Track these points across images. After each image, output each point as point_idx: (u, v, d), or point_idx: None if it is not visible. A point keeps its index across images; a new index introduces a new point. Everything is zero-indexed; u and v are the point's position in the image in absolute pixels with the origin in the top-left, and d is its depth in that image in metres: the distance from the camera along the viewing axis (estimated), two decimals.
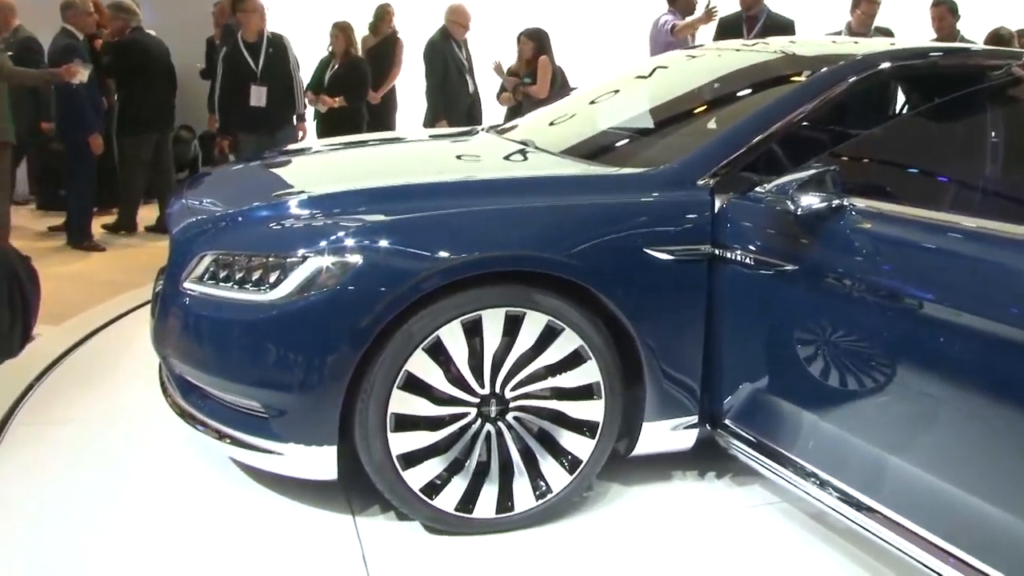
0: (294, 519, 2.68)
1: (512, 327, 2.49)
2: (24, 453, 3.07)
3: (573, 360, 2.57)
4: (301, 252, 2.42)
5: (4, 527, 2.61)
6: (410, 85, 7.98)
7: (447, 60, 7.06)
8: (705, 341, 2.69)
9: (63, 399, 3.52)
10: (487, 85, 7.42)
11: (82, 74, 5.95)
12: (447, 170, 3.10)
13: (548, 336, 2.53)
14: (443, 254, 2.39)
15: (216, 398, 2.61)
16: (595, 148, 3.20)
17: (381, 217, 2.48)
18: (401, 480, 2.50)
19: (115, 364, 3.93)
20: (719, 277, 2.65)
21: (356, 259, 2.38)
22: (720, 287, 2.65)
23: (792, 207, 2.41)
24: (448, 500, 2.55)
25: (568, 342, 2.54)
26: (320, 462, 2.49)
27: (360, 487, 2.65)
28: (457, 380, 2.49)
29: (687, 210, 2.64)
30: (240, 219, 2.67)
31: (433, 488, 2.54)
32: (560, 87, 6.81)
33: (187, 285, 2.58)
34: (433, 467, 2.53)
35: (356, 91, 7.08)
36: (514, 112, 7.12)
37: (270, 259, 2.45)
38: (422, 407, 2.47)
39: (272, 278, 2.43)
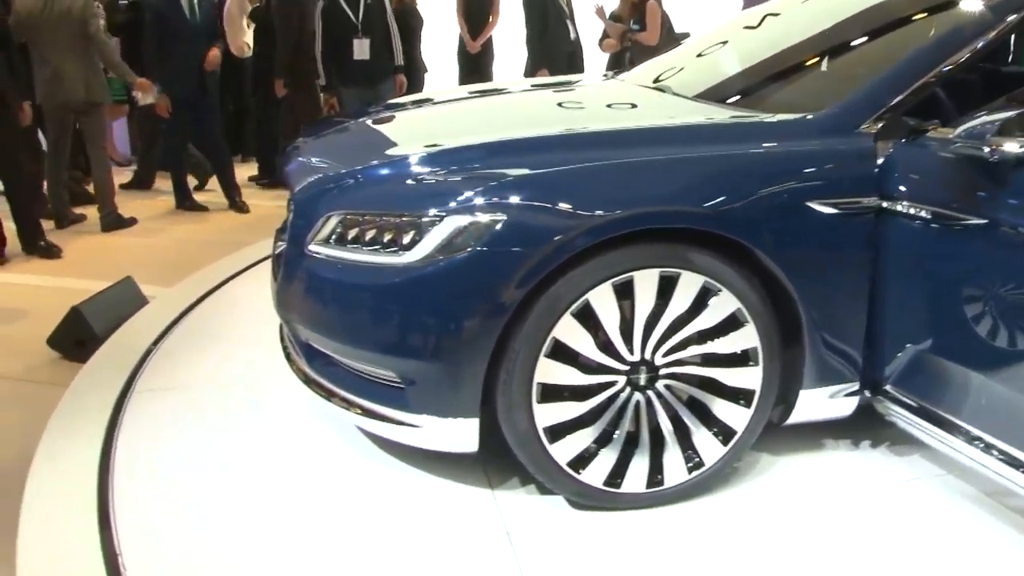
0: (429, 493, 2.55)
1: (665, 289, 2.29)
2: (146, 419, 3.02)
3: (729, 324, 2.36)
4: (438, 211, 2.25)
5: (130, 493, 2.56)
6: (508, 34, 7.76)
7: (547, 7, 6.80)
8: (869, 300, 2.45)
9: (182, 364, 3.46)
10: (588, 32, 7.13)
11: (148, 97, 6.23)
12: (582, 120, 2.89)
13: (703, 298, 2.32)
14: (593, 210, 2.20)
15: (345, 366, 2.49)
16: (733, 93, 2.94)
17: (524, 171, 2.29)
18: (547, 454, 2.34)
19: (230, 327, 3.86)
20: (886, 231, 2.39)
21: (498, 217, 2.20)
22: (887, 242, 2.40)
23: (987, 153, 2.14)
24: (596, 474, 2.39)
25: (725, 304, 2.33)
26: (460, 435, 2.35)
27: (497, 459, 2.51)
28: (606, 346, 2.31)
29: (851, 159, 2.39)
30: (368, 176, 2.50)
31: (580, 462, 2.38)
32: (668, 33, 6.50)
33: (313, 248, 2.44)
34: (580, 440, 2.36)
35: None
36: (617, 59, 6.85)
37: (403, 219, 2.30)
38: (569, 376, 2.30)
39: (406, 239, 2.28)
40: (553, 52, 6.77)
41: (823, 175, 2.37)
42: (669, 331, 2.34)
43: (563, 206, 2.21)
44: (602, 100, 3.22)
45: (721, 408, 2.44)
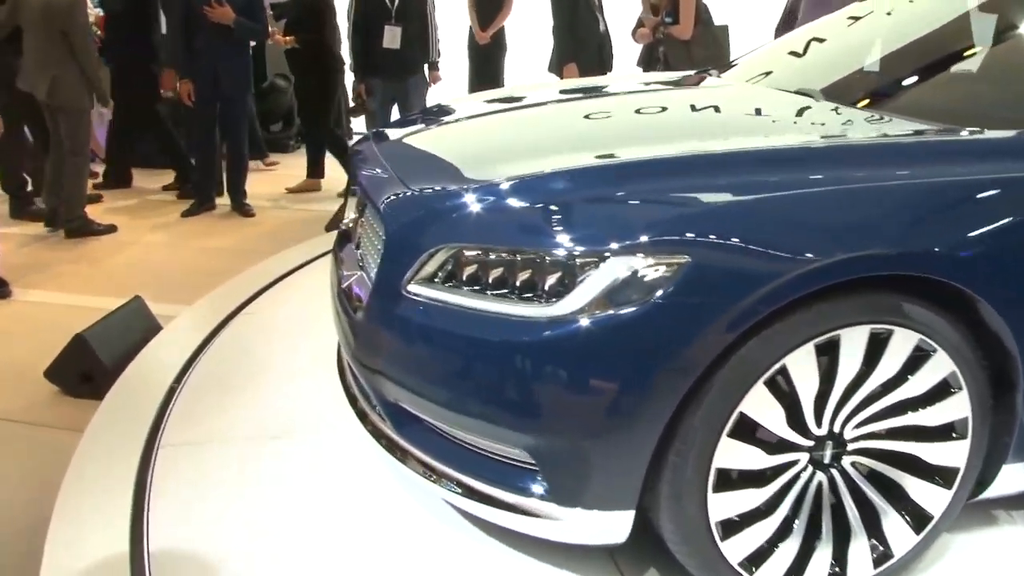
0: None
1: (873, 349, 1.83)
2: (179, 480, 2.49)
3: (940, 390, 1.90)
4: (597, 249, 1.76)
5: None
6: (520, 26, 7.28)
7: None
8: None
9: (213, 408, 2.92)
10: (619, 22, 6.65)
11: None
12: (735, 131, 2.39)
13: (915, 360, 1.86)
14: (808, 251, 1.72)
15: (452, 437, 2.00)
16: (908, 103, 2.47)
17: (714, 198, 1.82)
18: (718, 553, 1.87)
19: (266, 359, 3.32)
20: None
21: (680, 260, 1.72)
22: None
23: None
24: (771, 573, 1.92)
25: (939, 367, 1.88)
26: (606, 528, 1.87)
27: (630, 548, 2.03)
28: (795, 420, 1.84)
29: None
30: (493, 198, 1.97)
31: (754, 559, 1.91)
32: (706, 26, 6.03)
33: (414, 288, 1.95)
34: (758, 533, 1.90)
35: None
36: (650, 52, 6.38)
37: (547, 259, 1.81)
38: (752, 458, 1.84)
39: (550, 284, 1.79)
40: (583, 44, 6.27)
41: None
42: (868, 399, 1.88)
43: (769, 245, 1.73)
44: (740, 106, 2.72)
45: (915, 488, 1.99)
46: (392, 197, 2.15)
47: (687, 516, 1.83)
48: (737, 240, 1.73)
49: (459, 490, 1.99)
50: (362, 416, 2.29)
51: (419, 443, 2.05)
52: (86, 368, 3.31)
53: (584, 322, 1.74)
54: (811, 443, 1.89)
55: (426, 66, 6.03)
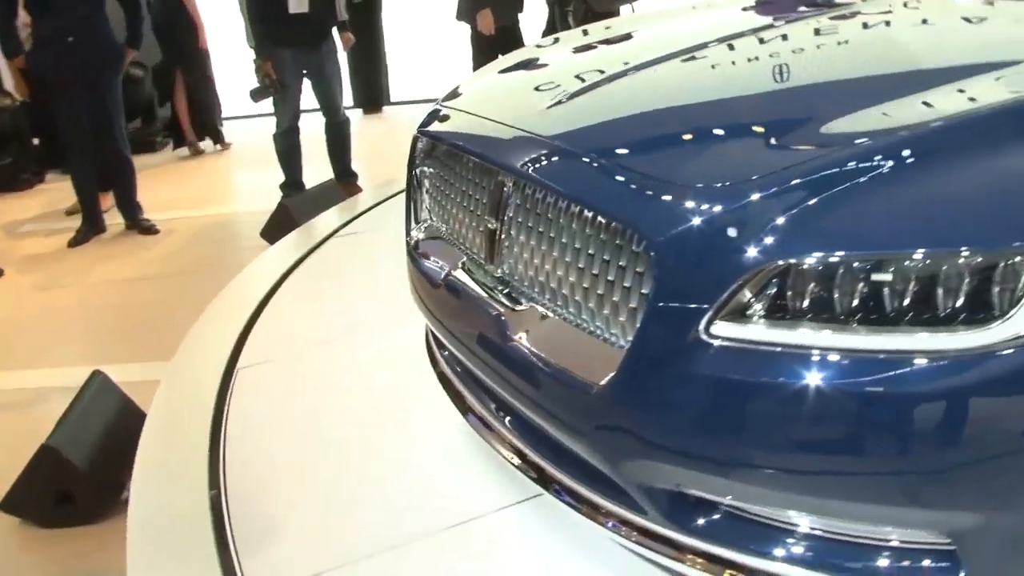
0: None
1: None
2: None
3: None
4: None
5: None
6: None
7: None
8: None
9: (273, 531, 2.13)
10: None
11: None
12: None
13: None
14: None
15: (781, 523, 1.35)
16: None
17: None
18: None
19: (309, 441, 2.51)
20: None
21: None
22: None
23: None
24: None
25: None
26: None
27: None
28: None
29: None
30: (853, 180, 1.27)
31: None
32: None
33: (723, 330, 1.26)
34: None
35: None
36: None
37: (969, 262, 1.16)
38: None
39: (960, 301, 1.16)
40: None
41: None
42: None
43: None
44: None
45: None
46: (653, 204, 1.38)
47: None
48: None
49: None
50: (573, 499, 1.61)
51: (721, 536, 1.40)
52: (62, 486, 2.44)
53: None
54: None
55: (334, 29, 5.14)
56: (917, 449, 1.21)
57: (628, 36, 2.38)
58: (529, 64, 2.25)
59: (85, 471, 2.45)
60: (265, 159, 5.71)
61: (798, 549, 1.35)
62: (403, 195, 2.25)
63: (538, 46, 2.42)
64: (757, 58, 1.92)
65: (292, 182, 5.36)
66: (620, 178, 1.44)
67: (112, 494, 2.50)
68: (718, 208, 1.29)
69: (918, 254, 1.18)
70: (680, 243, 1.29)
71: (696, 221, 1.29)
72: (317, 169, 5.50)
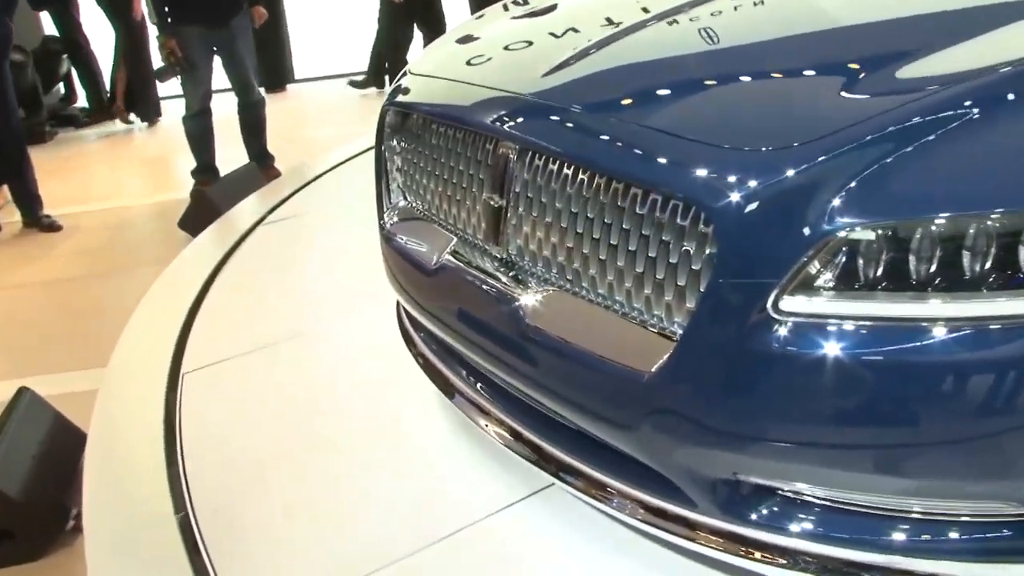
0: None
1: None
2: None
3: None
4: None
5: None
6: None
7: None
8: None
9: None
10: None
11: None
12: None
13: None
14: None
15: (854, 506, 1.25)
16: None
17: None
18: None
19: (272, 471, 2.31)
20: None
21: None
22: None
23: None
24: None
25: None
26: None
27: None
28: None
29: None
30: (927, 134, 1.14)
31: None
32: None
33: (793, 305, 1.14)
34: None
35: None
36: None
37: None
38: None
39: None
40: None
41: None
42: None
43: None
44: None
45: None
46: (709, 172, 1.21)
47: None
48: None
49: None
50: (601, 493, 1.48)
51: (789, 527, 1.28)
52: (4, 523, 2.18)
53: None
54: None
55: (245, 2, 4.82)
56: (1015, 417, 1.11)
57: None
58: (507, 26, 2.07)
59: (22, 503, 2.20)
60: (177, 144, 5.37)
61: (885, 532, 1.24)
62: (327, 177, 2.06)
63: (505, 7, 2.23)
64: None
65: (204, 167, 5.04)
66: (666, 146, 1.28)
67: (55, 525, 2.26)
68: (786, 173, 1.15)
69: (997, 213, 1.07)
70: (744, 213, 1.15)
71: (761, 188, 1.15)
72: (229, 153, 5.19)
